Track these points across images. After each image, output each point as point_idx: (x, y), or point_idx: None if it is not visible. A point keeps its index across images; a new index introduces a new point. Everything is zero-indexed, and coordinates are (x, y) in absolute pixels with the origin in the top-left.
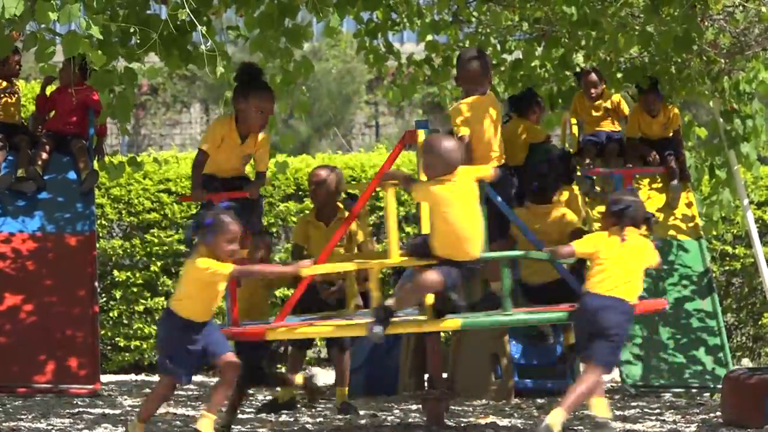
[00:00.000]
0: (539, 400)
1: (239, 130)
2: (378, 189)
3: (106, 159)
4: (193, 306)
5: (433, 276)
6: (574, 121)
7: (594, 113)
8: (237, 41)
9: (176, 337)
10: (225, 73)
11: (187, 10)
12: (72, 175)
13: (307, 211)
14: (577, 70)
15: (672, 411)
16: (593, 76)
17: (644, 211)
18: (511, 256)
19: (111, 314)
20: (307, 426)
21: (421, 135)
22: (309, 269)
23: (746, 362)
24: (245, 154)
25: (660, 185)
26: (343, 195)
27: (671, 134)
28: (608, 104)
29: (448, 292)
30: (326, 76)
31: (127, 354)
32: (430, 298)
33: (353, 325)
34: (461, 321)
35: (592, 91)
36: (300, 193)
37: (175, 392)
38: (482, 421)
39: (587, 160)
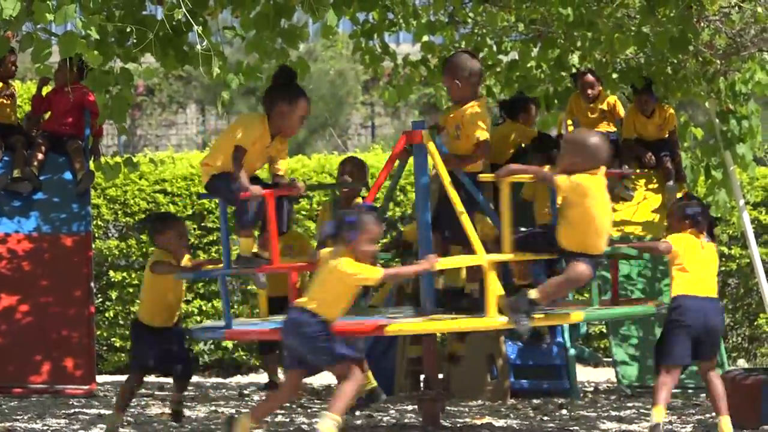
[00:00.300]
0: (535, 401)
1: (271, 131)
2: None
3: (102, 159)
4: (334, 307)
5: (585, 269)
6: (569, 122)
7: (590, 115)
8: (233, 42)
9: (322, 338)
10: (221, 74)
11: (183, 11)
12: (68, 175)
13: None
14: (573, 71)
15: (668, 411)
16: (590, 77)
17: (710, 217)
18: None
19: (107, 315)
20: (303, 426)
21: (425, 136)
22: (439, 264)
23: (742, 363)
24: (270, 155)
25: (656, 186)
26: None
27: (667, 135)
28: (604, 106)
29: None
30: (322, 77)
31: (122, 354)
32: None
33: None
34: (584, 314)
35: (589, 92)
36: None
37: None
38: (478, 422)
39: None
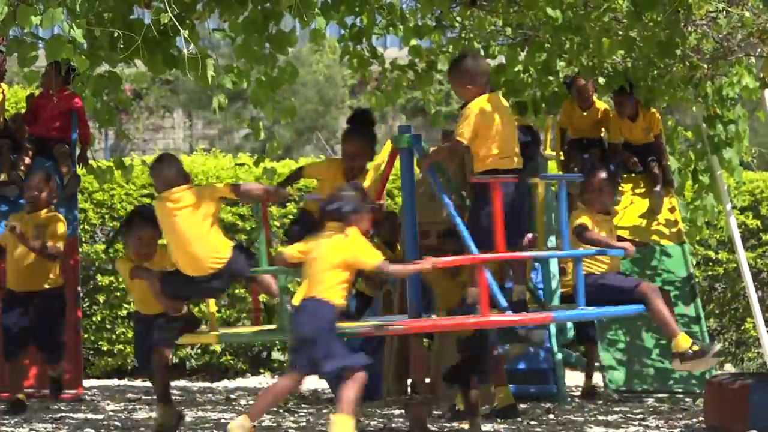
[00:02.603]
0: (522, 405)
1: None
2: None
3: (93, 164)
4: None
5: None
6: (564, 125)
7: (583, 120)
8: (221, 47)
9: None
10: (215, 77)
11: (170, 15)
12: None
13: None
14: (564, 76)
15: (655, 416)
16: (585, 83)
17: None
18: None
19: (94, 319)
20: (290, 431)
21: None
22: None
23: (729, 367)
24: None
25: (643, 190)
26: None
27: (653, 139)
28: (597, 112)
29: None
30: (309, 81)
31: (110, 359)
32: None
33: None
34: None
35: (586, 97)
36: None
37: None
38: (465, 426)
39: (572, 165)
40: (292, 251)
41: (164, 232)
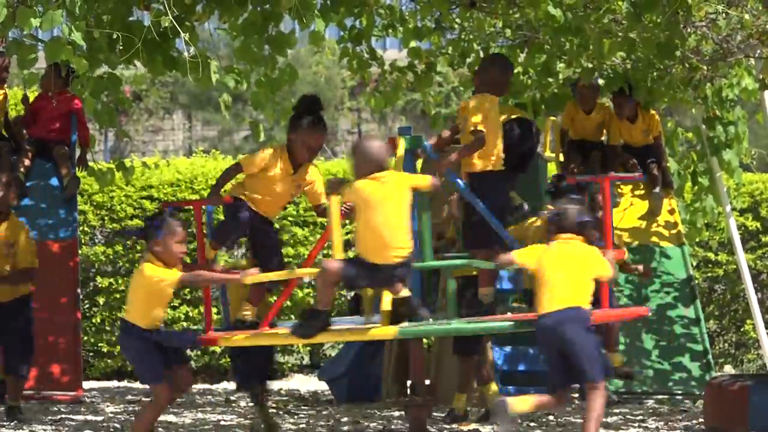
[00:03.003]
0: None
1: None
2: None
3: (93, 165)
4: (145, 312)
5: None
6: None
7: (586, 123)
8: (220, 48)
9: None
10: (219, 78)
11: (170, 17)
12: (54, 181)
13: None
14: (561, 78)
15: (655, 418)
16: (588, 87)
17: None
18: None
19: (94, 321)
20: None
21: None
22: (252, 278)
23: (729, 369)
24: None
25: (642, 192)
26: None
27: (653, 140)
28: (600, 114)
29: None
30: (308, 82)
31: (109, 360)
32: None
33: None
34: (398, 330)
35: (587, 100)
36: None
37: None
38: (465, 428)
39: (572, 167)
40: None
41: (365, 214)
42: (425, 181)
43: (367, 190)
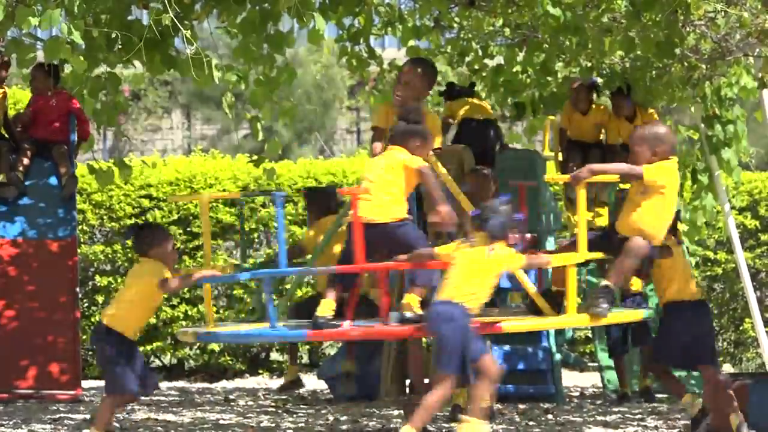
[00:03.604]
0: (521, 406)
1: None
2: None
3: (93, 164)
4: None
5: (642, 242)
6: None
7: (583, 123)
8: (221, 47)
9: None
10: (221, 76)
11: (171, 15)
12: (53, 180)
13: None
14: (560, 76)
15: (654, 416)
16: (584, 87)
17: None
18: None
19: (92, 320)
20: (288, 431)
21: None
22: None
23: (728, 368)
24: None
25: None
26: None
27: None
28: (598, 114)
29: None
30: (307, 81)
31: None
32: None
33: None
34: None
35: (581, 101)
36: None
37: (157, 398)
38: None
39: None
40: None
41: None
42: None
43: (675, 175)
